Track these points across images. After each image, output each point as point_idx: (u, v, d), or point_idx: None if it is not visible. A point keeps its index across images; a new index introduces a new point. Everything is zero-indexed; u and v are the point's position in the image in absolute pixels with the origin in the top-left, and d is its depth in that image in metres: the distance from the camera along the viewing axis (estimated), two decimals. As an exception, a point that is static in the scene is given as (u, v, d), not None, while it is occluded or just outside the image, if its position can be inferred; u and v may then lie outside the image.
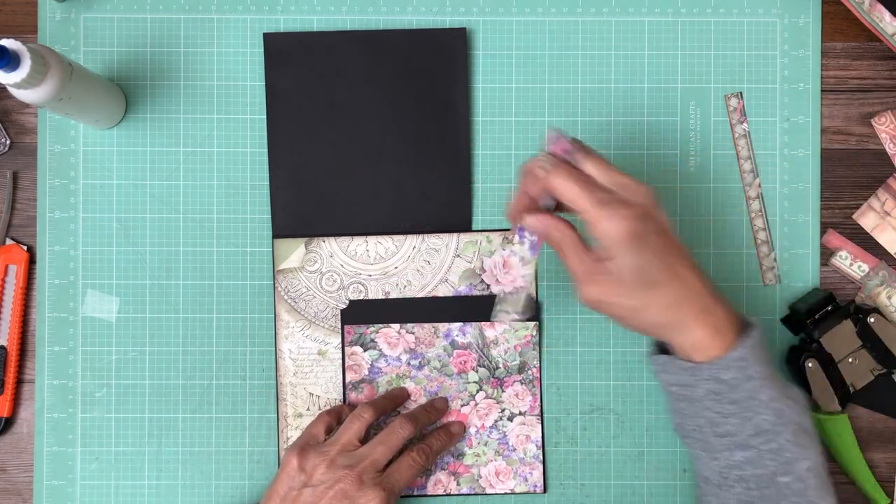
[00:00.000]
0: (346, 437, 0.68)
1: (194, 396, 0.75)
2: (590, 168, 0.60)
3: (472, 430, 0.74)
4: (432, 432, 0.72)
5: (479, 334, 0.74)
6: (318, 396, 0.74)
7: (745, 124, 0.70)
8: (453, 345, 0.74)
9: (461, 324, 0.74)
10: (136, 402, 0.75)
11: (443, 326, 0.74)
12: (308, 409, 0.74)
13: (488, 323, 0.74)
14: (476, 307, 0.74)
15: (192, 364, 0.75)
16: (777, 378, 0.61)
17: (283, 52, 0.74)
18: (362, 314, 0.74)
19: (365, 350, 0.74)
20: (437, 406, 0.73)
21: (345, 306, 0.74)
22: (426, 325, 0.74)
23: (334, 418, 0.71)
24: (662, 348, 0.65)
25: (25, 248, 0.75)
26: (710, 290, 0.60)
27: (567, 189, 0.58)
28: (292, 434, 0.74)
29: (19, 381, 0.75)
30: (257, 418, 0.75)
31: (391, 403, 0.73)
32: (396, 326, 0.74)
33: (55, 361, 0.74)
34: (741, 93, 0.74)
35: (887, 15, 0.71)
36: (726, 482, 0.61)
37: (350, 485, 0.64)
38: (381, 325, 0.74)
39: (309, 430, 0.70)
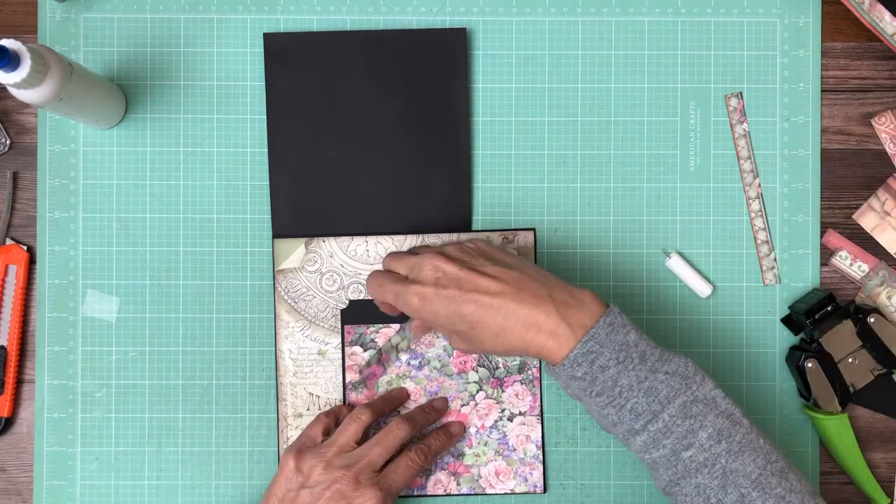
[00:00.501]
0: (343, 439, 0.68)
1: (194, 396, 0.75)
2: (390, 264, 0.68)
3: (472, 430, 0.74)
4: (431, 432, 0.72)
5: None
6: (318, 396, 0.74)
7: (745, 124, 0.70)
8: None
9: None
10: (136, 402, 0.75)
11: None
12: (308, 409, 0.74)
13: None
14: None
15: (192, 364, 0.75)
16: (648, 356, 0.61)
17: (283, 52, 0.74)
18: (362, 314, 0.74)
19: (365, 350, 0.74)
20: (437, 406, 0.73)
21: (345, 306, 0.74)
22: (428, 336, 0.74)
23: (332, 420, 0.71)
24: None
25: (25, 248, 0.75)
26: (532, 301, 0.61)
27: (376, 296, 0.67)
28: (292, 434, 0.74)
29: (19, 381, 0.75)
30: (257, 418, 0.75)
31: (390, 404, 0.73)
32: (396, 326, 0.74)
33: (55, 361, 0.74)
34: (741, 93, 0.74)
35: (887, 15, 0.71)
36: (649, 469, 0.63)
37: (346, 485, 0.65)
38: (381, 325, 0.74)
39: (307, 431, 0.70)
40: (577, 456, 0.75)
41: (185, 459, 0.74)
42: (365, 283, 0.71)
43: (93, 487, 0.74)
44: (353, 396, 0.74)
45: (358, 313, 0.74)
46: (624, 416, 0.61)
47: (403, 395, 0.74)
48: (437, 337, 0.74)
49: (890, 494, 0.75)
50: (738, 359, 0.75)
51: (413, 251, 0.69)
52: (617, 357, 0.60)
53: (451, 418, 0.74)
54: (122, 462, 0.74)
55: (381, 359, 0.74)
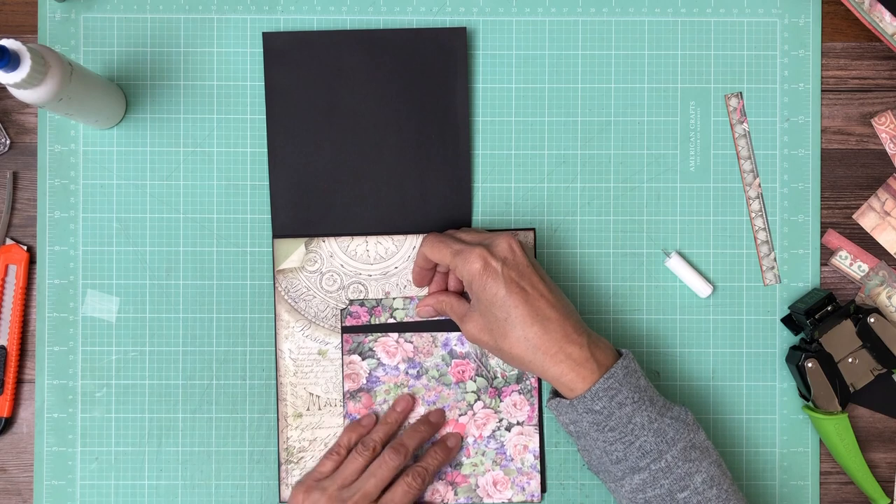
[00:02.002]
0: (345, 473, 0.69)
1: (194, 396, 0.75)
2: (460, 234, 0.69)
3: (470, 439, 0.74)
4: (428, 451, 0.72)
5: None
6: (318, 396, 0.74)
7: (745, 124, 0.70)
8: (452, 354, 0.74)
9: (459, 333, 0.74)
10: (136, 402, 0.75)
11: (441, 335, 0.74)
12: (308, 409, 0.74)
13: None
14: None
15: (192, 364, 0.75)
16: (656, 400, 0.65)
17: (283, 52, 0.74)
18: (363, 328, 0.74)
19: (363, 359, 0.74)
20: (432, 420, 0.73)
21: (345, 306, 0.74)
22: (424, 335, 0.74)
23: (343, 455, 0.71)
24: (557, 393, 0.69)
25: (25, 248, 0.75)
26: (574, 326, 0.65)
27: (431, 251, 0.68)
28: (292, 434, 0.74)
29: (19, 381, 0.75)
30: (257, 418, 0.75)
31: (396, 423, 0.73)
32: (395, 335, 0.74)
33: (55, 361, 0.74)
34: (741, 93, 0.74)
35: (887, 15, 0.71)
36: None
37: None
38: (379, 334, 0.74)
39: (318, 466, 0.71)
40: (577, 456, 0.75)
41: (185, 459, 0.74)
42: (421, 243, 0.70)
43: (93, 487, 0.74)
44: (351, 406, 0.74)
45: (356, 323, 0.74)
46: (631, 452, 0.64)
47: (409, 407, 0.74)
48: (436, 346, 0.74)
49: (890, 494, 0.75)
50: (738, 359, 0.75)
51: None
52: (633, 397, 0.64)
53: (448, 428, 0.74)
54: (122, 462, 0.74)
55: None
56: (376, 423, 0.73)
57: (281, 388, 0.74)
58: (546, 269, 0.75)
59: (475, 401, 0.74)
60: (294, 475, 0.74)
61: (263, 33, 0.75)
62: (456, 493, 0.74)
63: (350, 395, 0.74)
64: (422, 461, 0.71)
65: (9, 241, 0.75)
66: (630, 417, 0.64)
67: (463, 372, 0.74)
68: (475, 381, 0.74)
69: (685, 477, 0.63)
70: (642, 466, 0.64)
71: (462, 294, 0.72)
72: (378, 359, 0.74)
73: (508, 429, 0.74)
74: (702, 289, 0.74)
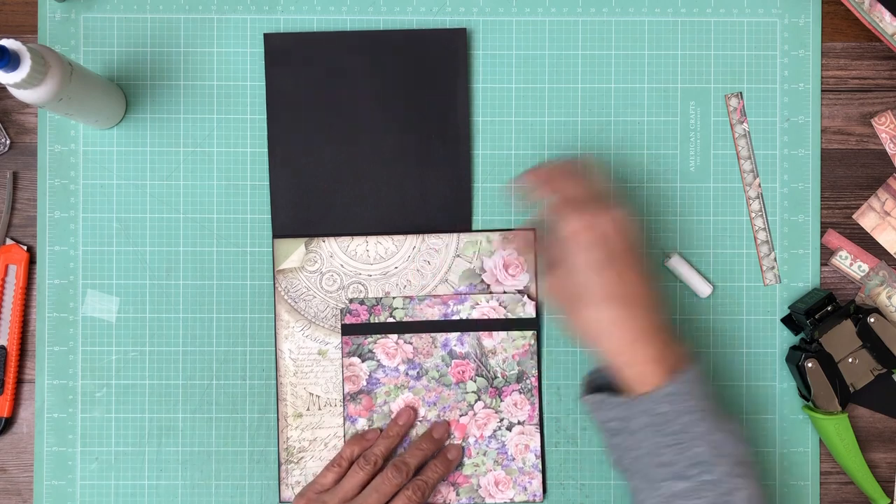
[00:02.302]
0: (346, 487, 0.69)
1: (194, 396, 0.75)
2: (572, 181, 0.66)
3: (471, 439, 0.74)
4: (429, 463, 0.72)
5: (476, 344, 0.74)
6: (318, 396, 0.74)
7: (745, 124, 0.70)
8: (451, 354, 0.74)
9: (459, 333, 0.74)
10: (136, 402, 0.75)
11: (440, 336, 0.74)
12: (308, 409, 0.74)
13: (486, 332, 0.74)
14: (472, 322, 0.74)
15: (192, 364, 0.75)
16: (715, 411, 0.63)
17: (283, 52, 0.74)
18: (360, 326, 0.74)
19: (363, 361, 0.74)
20: (436, 437, 0.73)
21: (344, 305, 0.74)
22: (424, 336, 0.74)
23: (345, 469, 0.71)
24: (592, 389, 0.67)
25: (25, 248, 0.75)
26: (656, 321, 0.63)
27: (550, 173, 0.66)
28: (292, 434, 0.74)
29: (19, 381, 0.75)
30: (257, 418, 0.75)
31: (397, 438, 0.72)
32: (394, 336, 0.74)
33: (55, 361, 0.74)
34: (741, 93, 0.74)
35: (887, 15, 0.71)
36: None
37: None
38: (379, 336, 0.74)
39: (319, 479, 0.71)
40: (577, 456, 0.75)
41: (185, 459, 0.74)
42: (537, 167, 0.68)
43: (93, 487, 0.74)
44: (351, 408, 0.74)
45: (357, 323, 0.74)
46: (682, 460, 0.61)
47: (409, 421, 0.73)
48: (436, 347, 0.74)
49: (890, 494, 0.75)
50: (738, 359, 0.75)
51: None
52: (700, 405, 0.62)
53: (449, 429, 0.74)
54: (122, 462, 0.74)
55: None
56: (378, 435, 0.73)
57: (281, 388, 0.74)
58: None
59: (476, 401, 0.74)
60: (294, 475, 0.74)
61: (265, 34, 0.75)
62: (458, 494, 0.74)
63: (350, 398, 0.74)
64: (422, 475, 0.71)
65: (9, 241, 0.75)
66: (692, 425, 0.61)
67: (463, 372, 0.74)
68: (475, 382, 0.74)
69: (729, 493, 0.61)
70: (690, 475, 0.61)
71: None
72: (378, 360, 0.74)
73: (509, 428, 0.74)
74: (702, 289, 0.74)
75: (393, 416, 0.74)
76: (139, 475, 0.74)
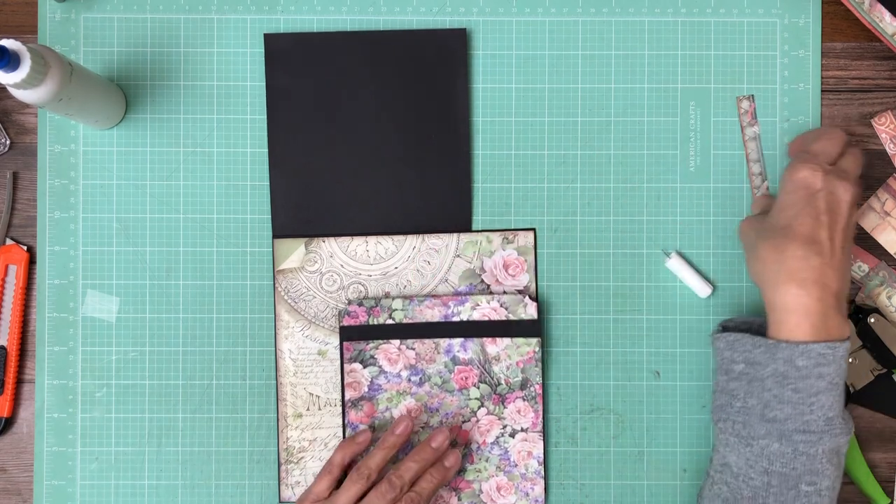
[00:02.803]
0: (340, 501, 0.67)
1: (194, 396, 0.75)
2: (823, 141, 0.67)
3: (474, 446, 0.74)
4: (425, 473, 0.69)
5: (480, 350, 0.73)
6: (318, 396, 0.74)
7: (755, 127, 0.70)
8: (454, 360, 0.73)
9: (462, 339, 0.73)
10: (136, 402, 0.75)
11: (444, 342, 0.73)
12: (308, 409, 0.74)
13: (490, 339, 0.73)
14: (475, 325, 0.74)
15: (192, 364, 0.75)
16: (842, 394, 0.63)
17: (283, 52, 0.74)
18: (361, 331, 0.73)
19: (364, 367, 0.73)
20: (434, 446, 0.70)
21: (343, 308, 0.74)
22: (427, 341, 0.73)
23: (338, 474, 0.70)
24: (726, 329, 0.66)
25: (25, 248, 0.75)
26: (839, 289, 0.63)
27: (823, 142, 0.66)
28: (292, 434, 0.74)
29: (19, 381, 0.75)
30: (257, 418, 0.75)
31: (393, 449, 0.70)
32: (396, 342, 0.73)
33: (55, 361, 0.74)
34: (752, 96, 0.74)
35: (887, 15, 0.71)
36: (748, 472, 0.62)
37: None
38: (380, 341, 0.73)
39: (313, 487, 0.69)
40: (577, 456, 0.75)
41: (185, 459, 0.74)
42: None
43: (93, 487, 0.74)
44: (353, 414, 0.74)
45: (357, 329, 0.74)
46: (792, 419, 0.61)
47: (407, 431, 0.71)
48: (438, 353, 0.73)
49: (890, 494, 0.75)
50: (738, 359, 0.75)
51: None
52: (834, 379, 0.62)
53: (452, 435, 0.74)
54: (122, 462, 0.74)
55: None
56: (371, 438, 0.71)
57: (281, 388, 0.74)
58: (546, 269, 0.75)
59: (478, 407, 0.74)
60: (294, 475, 0.74)
61: (265, 34, 0.75)
62: (459, 499, 0.74)
63: (351, 404, 0.74)
64: (417, 485, 0.68)
65: (9, 241, 0.75)
66: (819, 392, 0.61)
67: (466, 379, 0.74)
68: (478, 388, 0.73)
69: (818, 473, 0.61)
70: (793, 440, 0.61)
71: None
72: (380, 366, 0.73)
73: (513, 435, 0.74)
74: (702, 289, 0.74)
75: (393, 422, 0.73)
76: (139, 475, 0.74)
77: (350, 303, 0.73)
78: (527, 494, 0.74)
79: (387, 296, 0.74)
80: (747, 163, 0.74)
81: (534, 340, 0.73)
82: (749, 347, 0.63)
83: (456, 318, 0.73)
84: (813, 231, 0.62)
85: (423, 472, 0.69)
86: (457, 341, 0.73)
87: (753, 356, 0.63)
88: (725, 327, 0.69)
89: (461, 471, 0.74)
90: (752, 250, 0.66)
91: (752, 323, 0.69)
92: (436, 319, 0.73)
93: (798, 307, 0.62)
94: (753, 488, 0.62)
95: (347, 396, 0.73)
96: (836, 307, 0.62)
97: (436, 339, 0.73)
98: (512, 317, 0.73)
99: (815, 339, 0.61)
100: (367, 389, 0.73)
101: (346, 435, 0.73)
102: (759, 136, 0.70)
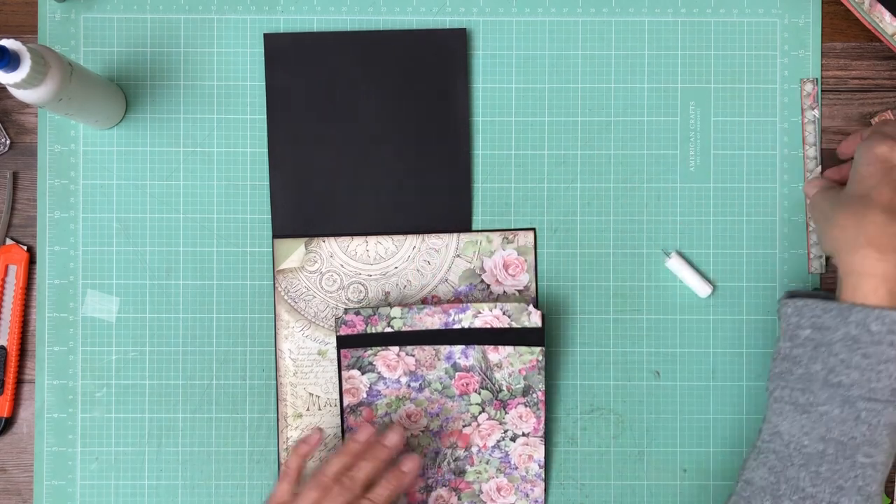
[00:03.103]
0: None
1: (194, 396, 0.75)
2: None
3: (474, 449, 0.73)
4: (382, 478, 0.66)
5: (481, 357, 0.72)
6: (318, 396, 0.74)
7: (815, 111, 0.71)
8: (455, 367, 0.73)
9: (463, 346, 0.72)
10: (136, 402, 0.75)
11: (444, 349, 0.72)
12: (308, 409, 0.74)
13: (491, 346, 0.72)
14: (477, 332, 0.73)
15: (192, 364, 0.75)
16: None
17: (283, 52, 0.74)
18: (359, 339, 0.73)
19: (363, 373, 0.73)
20: (387, 443, 0.68)
21: (339, 315, 0.74)
22: (427, 348, 0.72)
23: (295, 476, 0.67)
24: (792, 296, 0.66)
25: (25, 248, 0.75)
26: None
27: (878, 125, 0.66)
28: (292, 434, 0.74)
29: (19, 381, 0.75)
30: (257, 418, 0.75)
31: (352, 457, 0.66)
32: (395, 349, 0.73)
33: (55, 361, 0.74)
34: (816, 79, 0.74)
35: (887, 15, 0.71)
36: (802, 440, 0.61)
37: None
38: (379, 348, 0.73)
39: (275, 492, 0.66)
40: (577, 456, 0.75)
41: (185, 459, 0.74)
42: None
43: (93, 487, 0.74)
44: (351, 420, 0.73)
45: (355, 337, 0.73)
46: (859, 384, 0.60)
47: (371, 438, 0.68)
48: (438, 360, 0.73)
49: (890, 494, 0.75)
50: (738, 359, 0.75)
51: None
52: None
53: (452, 438, 0.74)
54: (122, 462, 0.74)
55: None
56: (322, 439, 0.69)
57: (281, 388, 0.74)
58: (546, 268, 0.75)
59: (479, 412, 0.73)
60: (294, 475, 0.74)
61: (265, 34, 0.75)
62: (459, 499, 0.74)
63: (350, 410, 0.73)
64: (373, 491, 0.65)
65: (9, 241, 0.75)
66: (889, 361, 0.60)
67: (467, 385, 0.73)
68: (479, 394, 0.73)
69: (877, 446, 0.60)
70: (857, 406, 0.60)
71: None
72: (378, 373, 0.73)
73: (514, 439, 0.73)
74: (702, 289, 0.74)
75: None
76: (139, 475, 0.74)
77: (347, 311, 0.72)
78: (527, 495, 0.74)
79: (386, 303, 0.74)
80: (803, 146, 0.74)
81: (537, 349, 0.72)
82: (819, 312, 0.63)
83: (457, 326, 0.72)
84: (892, 200, 0.62)
85: (378, 472, 0.66)
86: (458, 348, 0.72)
87: (823, 321, 0.62)
88: (792, 295, 0.68)
89: (461, 472, 0.73)
90: (827, 220, 0.65)
91: (817, 295, 0.68)
92: (436, 327, 0.72)
93: (876, 271, 0.61)
94: (806, 455, 0.61)
95: (346, 402, 0.73)
96: None
97: (436, 346, 0.72)
98: (515, 325, 0.72)
99: (890, 304, 0.61)
100: (365, 395, 0.73)
101: (345, 439, 0.73)
102: (818, 120, 0.70)
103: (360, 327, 0.72)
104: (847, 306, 0.61)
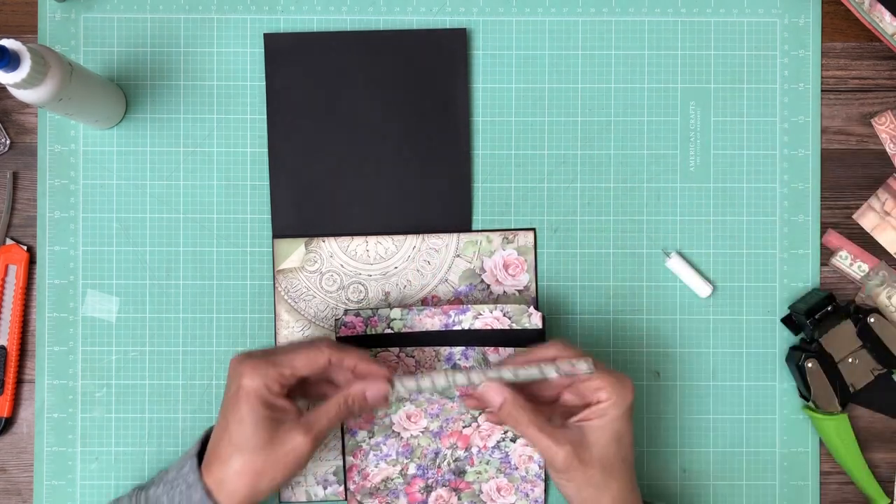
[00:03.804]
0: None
1: (194, 396, 0.75)
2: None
3: (474, 449, 0.73)
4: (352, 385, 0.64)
5: (481, 358, 0.72)
6: (318, 396, 0.74)
7: None
8: (455, 368, 0.72)
9: (463, 347, 0.72)
10: (136, 402, 0.75)
11: (444, 350, 0.72)
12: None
13: (491, 348, 0.72)
14: (476, 333, 0.72)
15: (192, 364, 0.75)
16: None
17: (283, 52, 0.74)
18: (359, 340, 0.72)
19: None
20: (347, 365, 0.65)
21: (339, 317, 0.74)
22: (427, 349, 0.72)
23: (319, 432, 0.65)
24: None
25: (25, 248, 0.75)
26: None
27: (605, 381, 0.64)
28: (292, 434, 0.74)
29: (19, 381, 0.75)
30: (257, 418, 0.75)
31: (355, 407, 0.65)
32: (395, 350, 0.72)
33: (55, 361, 0.74)
34: None
35: (887, 15, 0.71)
36: None
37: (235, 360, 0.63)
38: (379, 349, 0.72)
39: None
40: (577, 456, 0.75)
41: (185, 459, 0.74)
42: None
43: (93, 487, 0.74)
44: (351, 421, 0.73)
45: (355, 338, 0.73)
46: None
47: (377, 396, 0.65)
48: (439, 361, 0.73)
49: (890, 494, 0.75)
50: (738, 359, 0.75)
51: None
52: None
53: (453, 439, 0.73)
54: (122, 462, 0.74)
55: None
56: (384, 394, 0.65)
57: (281, 388, 0.74)
58: (546, 268, 0.75)
59: (479, 413, 0.73)
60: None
61: (265, 34, 0.75)
62: (459, 499, 0.74)
63: None
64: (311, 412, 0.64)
65: (9, 241, 0.75)
66: None
67: (467, 387, 0.73)
68: None
69: None
70: None
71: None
72: None
73: (514, 440, 0.73)
74: (702, 289, 0.74)
75: (394, 426, 0.72)
76: (139, 475, 0.74)
77: (346, 313, 0.72)
78: (527, 495, 0.74)
79: (386, 304, 0.74)
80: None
81: None
82: None
83: (457, 328, 0.72)
84: (630, 457, 0.65)
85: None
86: (458, 349, 0.72)
87: None
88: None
89: (461, 473, 0.73)
90: (594, 488, 0.65)
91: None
92: (436, 329, 0.72)
93: None
94: None
95: None
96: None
97: (436, 347, 0.72)
98: (515, 326, 0.72)
99: None
100: None
101: (345, 441, 0.73)
102: None
103: (359, 328, 0.72)
104: None
